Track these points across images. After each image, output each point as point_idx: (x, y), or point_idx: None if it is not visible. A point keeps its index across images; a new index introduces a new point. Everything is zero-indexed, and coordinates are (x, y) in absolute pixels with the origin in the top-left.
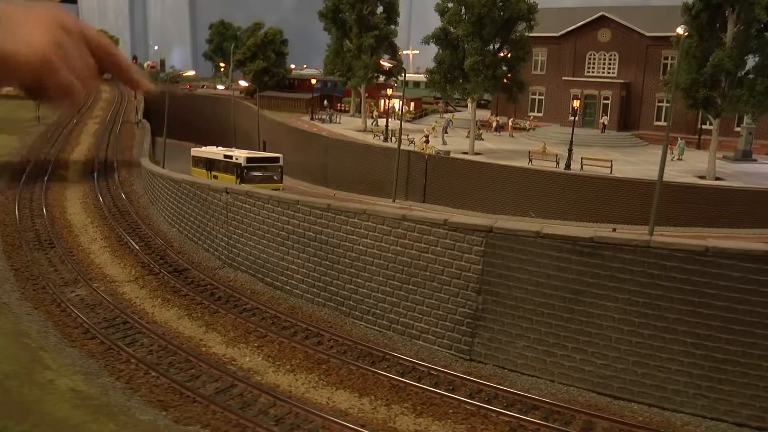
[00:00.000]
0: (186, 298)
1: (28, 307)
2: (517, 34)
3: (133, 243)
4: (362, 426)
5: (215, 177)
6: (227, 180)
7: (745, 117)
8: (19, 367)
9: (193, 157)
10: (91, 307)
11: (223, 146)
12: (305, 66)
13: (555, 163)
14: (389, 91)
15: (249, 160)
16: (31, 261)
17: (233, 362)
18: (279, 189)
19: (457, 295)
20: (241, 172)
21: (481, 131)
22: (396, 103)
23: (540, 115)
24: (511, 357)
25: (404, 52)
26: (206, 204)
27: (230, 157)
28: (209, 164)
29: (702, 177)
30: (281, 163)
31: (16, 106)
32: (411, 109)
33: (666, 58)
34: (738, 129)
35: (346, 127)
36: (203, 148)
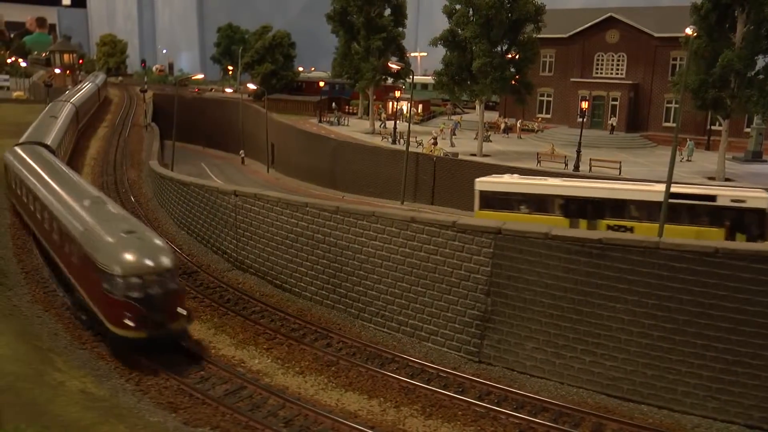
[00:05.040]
0: (195, 300)
1: (38, 309)
2: (525, 36)
3: None
4: (371, 428)
5: (622, 229)
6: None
7: (755, 117)
8: (30, 369)
9: (497, 192)
10: None
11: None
12: (313, 69)
13: (563, 165)
14: (397, 94)
15: None
16: (41, 264)
17: (243, 364)
18: None
19: (466, 297)
20: (747, 224)
21: (489, 133)
22: (404, 106)
23: (548, 116)
24: (520, 359)
25: (412, 54)
26: (215, 207)
27: (710, 198)
28: (583, 208)
29: (711, 178)
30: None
31: (24, 110)
32: (419, 111)
33: (675, 59)
34: (748, 130)
35: (354, 129)
36: (512, 177)
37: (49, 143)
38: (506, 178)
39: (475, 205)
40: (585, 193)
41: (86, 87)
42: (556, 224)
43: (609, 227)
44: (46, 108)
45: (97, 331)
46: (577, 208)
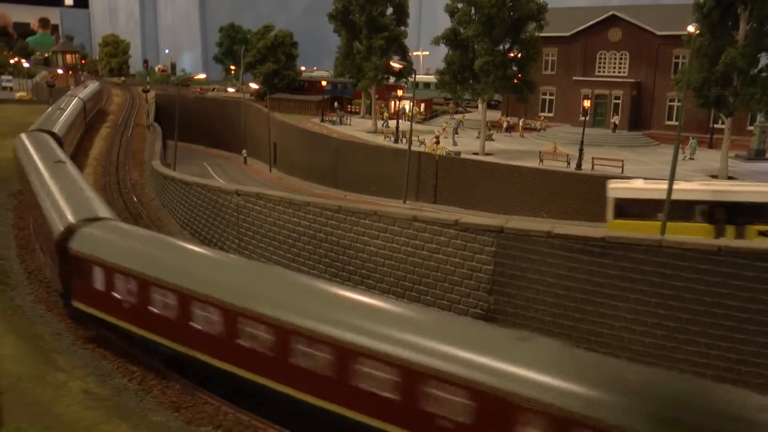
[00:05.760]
0: None
1: (41, 309)
2: (527, 34)
3: None
4: None
5: None
6: None
7: (758, 115)
8: (33, 369)
9: (634, 200)
10: None
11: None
12: (315, 68)
13: (566, 164)
14: (399, 93)
15: None
16: (44, 264)
17: None
18: None
19: (469, 295)
20: None
21: (491, 132)
22: (406, 105)
23: (550, 115)
24: None
25: (414, 53)
26: (217, 206)
27: None
28: (730, 213)
29: (714, 176)
30: None
31: (27, 111)
32: (421, 110)
33: (677, 57)
34: (751, 128)
35: (357, 128)
36: (640, 182)
37: (106, 215)
38: (639, 183)
39: (607, 215)
40: (733, 197)
41: (71, 107)
42: (698, 233)
43: (760, 233)
44: (27, 141)
45: None
46: (723, 213)
